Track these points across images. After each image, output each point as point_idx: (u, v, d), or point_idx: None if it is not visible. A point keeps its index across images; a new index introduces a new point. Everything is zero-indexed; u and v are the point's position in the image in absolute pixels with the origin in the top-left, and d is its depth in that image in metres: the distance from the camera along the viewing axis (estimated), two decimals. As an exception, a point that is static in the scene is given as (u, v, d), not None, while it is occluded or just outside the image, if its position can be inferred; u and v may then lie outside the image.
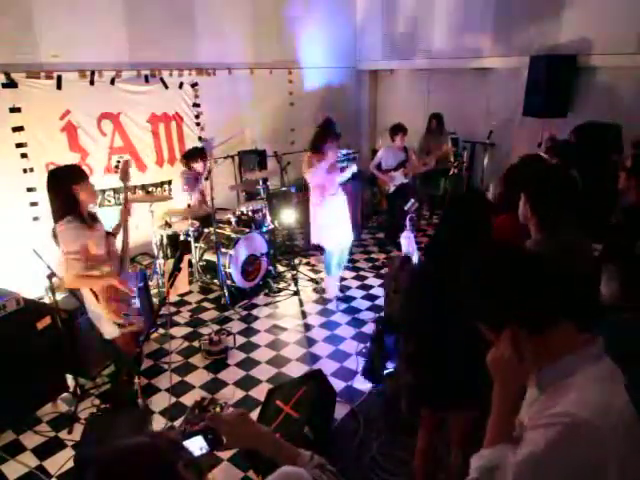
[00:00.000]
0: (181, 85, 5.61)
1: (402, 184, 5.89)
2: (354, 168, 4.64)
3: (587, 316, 1.08)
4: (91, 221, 2.82)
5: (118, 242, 3.02)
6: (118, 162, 3.05)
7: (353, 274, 5.39)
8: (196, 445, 1.11)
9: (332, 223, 4.51)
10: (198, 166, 5.03)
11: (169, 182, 5.66)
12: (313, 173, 4.27)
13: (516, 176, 2.53)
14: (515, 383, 1.12)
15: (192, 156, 5.06)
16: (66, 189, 2.65)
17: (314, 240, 4.70)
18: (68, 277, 2.67)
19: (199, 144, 5.89)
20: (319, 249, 5.08)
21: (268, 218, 5.31)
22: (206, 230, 4.93)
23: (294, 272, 5.29)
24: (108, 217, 3.18)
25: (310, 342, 4.08)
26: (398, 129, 5.73)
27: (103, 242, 2.84)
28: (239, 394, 3.43)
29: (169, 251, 4.90)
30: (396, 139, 5.73)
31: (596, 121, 3.98)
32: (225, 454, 2.81)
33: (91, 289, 2.80)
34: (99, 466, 0.91)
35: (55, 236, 2.70)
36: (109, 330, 2.90)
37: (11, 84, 4.26)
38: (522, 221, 2.06)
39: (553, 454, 0.95)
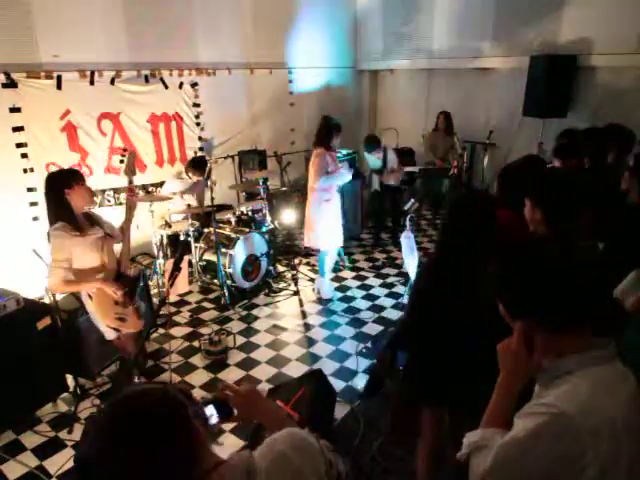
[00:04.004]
0: (181, 85, 5.61)
1: (376, 191, 5.87)
2: (346, 173, 4.55)
3: (604, 318, 1.09)
4: (88, 224, 2.79)
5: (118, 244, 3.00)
6: (123, 156, 2.97)
7: (353, 274, 5.38)
8: (207, 414, 1.15)
9: (333, 224, 4.52)
10: (197, 177, 5.05)
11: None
12: (328, 178, 4.31)
13: (518, 179, 2.52)
14: (520, 374, 1.15)
15: (194, 168, 5.08)
16: (58, 192, 2.64)
17: (311, 243, 4.64)
18: (52, 282, 2.67)
19: (198, 144, 5.90)
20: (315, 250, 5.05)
21: (268, 218, 5.31)
22: (206, 230, 4.93)
23: (294, 272, 5.29)
24: (108, 217, 3.16)
25: (310, 342, 4.08)
26: (371, 143, 5.59)
27: (96, 247, 2.79)
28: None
29: (169, 251, 4.90)
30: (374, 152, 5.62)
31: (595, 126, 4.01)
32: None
33: (89, 295, 2.79)
34: (112, 403, 0.97)
35: (49, 239, 2.70)
36: (105, 331, 2.90)
37: (11, 84, 4.26)
38: (530, 223, 2.05)
39: (532, 441, 1.00)
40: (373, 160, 5.76)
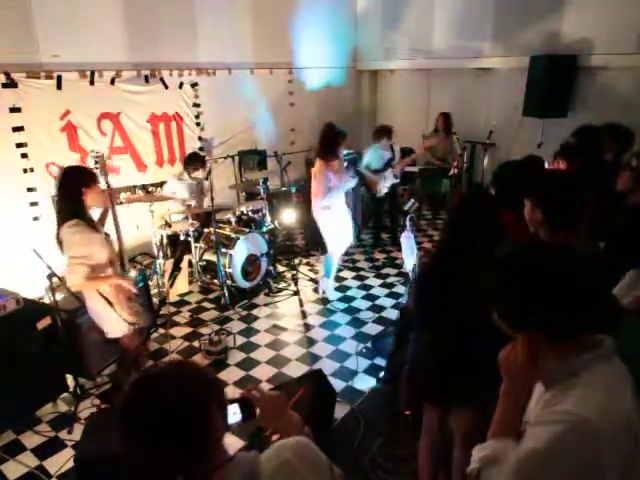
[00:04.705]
0: (181, 85, 5.61)
1: (393, 185, 5.86)
2: (351, 180, 4.56)
3: (603, 319, 1.08)
4: (93, 222, 2.83)
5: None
6: (97, 161, 2.97)
7: (353, 274, 5.38)
8: (230, 412, 1.15)
9: (337, 226, 4.51)
10: (198, 173, 5.01)
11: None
12: (330, 195, 4.28)
13: (518, 178, 2.52)
14: (525, 383, 1.13)
15: (193, 165, 5.01)
16: (76, 190, 2.65)
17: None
18: (75, 281, 2.65)
19: (198, 144, 5.90)
20: (319, 249, 5.07)
21: (268, 218, 5.31)
22: (206, 230, 4.93)
23: (294, 272, 5.29)
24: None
25: (310, 342, 4.08)
26: (382, 133, 5.56)
27: (105, 244, 2.84)
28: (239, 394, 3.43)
29: (169, 251, 4.89)
30: (382, 140, 5.59)
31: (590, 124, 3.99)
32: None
33: (100, 292, 2.78)
34: (145, 373, 0.99)
35: (60, 242, 2.67)
36: (116, 329, 2.89)
37: (11, 84, 4.26)
38: (530, 224, 2.05)
39: (554, 451, 0.96)
40: (376, 157, 5.74)
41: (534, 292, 1.06)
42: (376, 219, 6.23)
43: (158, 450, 0.91)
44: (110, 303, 2.80)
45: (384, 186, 5.77)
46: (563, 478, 0.96)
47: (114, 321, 2.85)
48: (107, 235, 2.92)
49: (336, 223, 4.51)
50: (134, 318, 2.89)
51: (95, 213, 2.93)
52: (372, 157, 5.75)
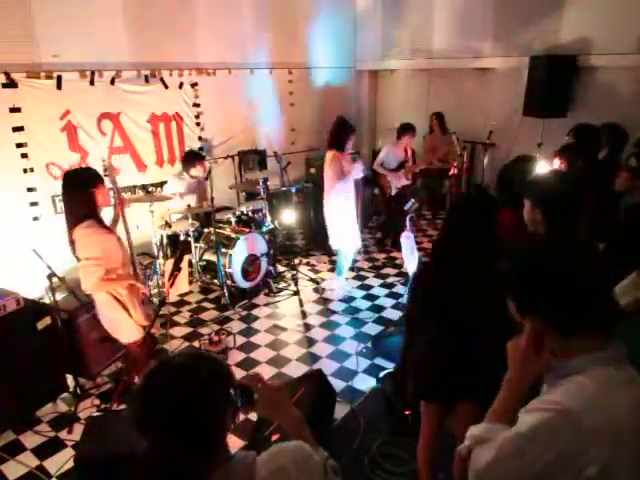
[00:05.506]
0: (181, 85, 5.61)
1: (403, 186, 5.87)
2: (360, 168, 4.58)
3: (607, 320, 1.10)
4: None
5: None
6: (106, 168, 3.08)
7: (353, 274, 5.38)
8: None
9: (348, 223, 4.52)
10: (196, 171, 4.98)
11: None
12: (344, 180, 4.32)
13: (516, 178, 2.53)
14: (528, 372, 1.16)
15: (190, 162, 4.97)
16: (85, 191, 2.62)
17: (336, 245, 4.65)
18: (90, 283, 2.62)
19: (198, 144, 5.89)
20: (322, 250, 5.06)
21: (268, 218, 5.31)
22: (206, 230, 4.93)
23: (294, 272, 5.29)
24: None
25: (310, 342, 4.08)
26: (408, 129, 5.58)
27: (119, 246, 2.82)
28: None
29: (169, 251, 4.89)
30: (403, 139, 5.62)
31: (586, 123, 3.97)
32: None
33: (115, 297, 2.76)
34: (162, 364, 0.99)
35: (72, 242, 2.64)
36: (130, 334, 2.87)
37: (11, 84, 4.26)
38: (529, 224, 2.05)
39: (535, 436, 1.00)
40: (391, 157, 5.74)
41: (533, 292, 1.11)
42: (388, 218, 6.21)
43: (165, 446, 0.90)
44: (125, 308, 2.78)
45: (396, 186, 5.79)
46: (541, 460, 0.99)
47: (129, 327, 2.84)
48: (119, 238, 2.91)
49: (349, 216, 4.51)
50: (148, 322, 2.85)
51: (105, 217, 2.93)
52: (386, 156, 5.76)
